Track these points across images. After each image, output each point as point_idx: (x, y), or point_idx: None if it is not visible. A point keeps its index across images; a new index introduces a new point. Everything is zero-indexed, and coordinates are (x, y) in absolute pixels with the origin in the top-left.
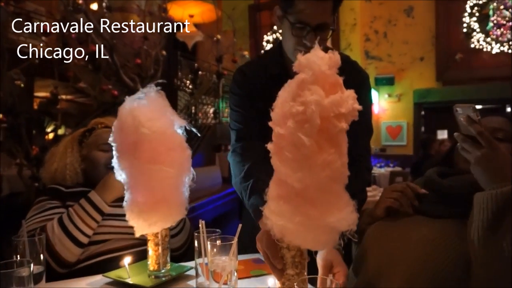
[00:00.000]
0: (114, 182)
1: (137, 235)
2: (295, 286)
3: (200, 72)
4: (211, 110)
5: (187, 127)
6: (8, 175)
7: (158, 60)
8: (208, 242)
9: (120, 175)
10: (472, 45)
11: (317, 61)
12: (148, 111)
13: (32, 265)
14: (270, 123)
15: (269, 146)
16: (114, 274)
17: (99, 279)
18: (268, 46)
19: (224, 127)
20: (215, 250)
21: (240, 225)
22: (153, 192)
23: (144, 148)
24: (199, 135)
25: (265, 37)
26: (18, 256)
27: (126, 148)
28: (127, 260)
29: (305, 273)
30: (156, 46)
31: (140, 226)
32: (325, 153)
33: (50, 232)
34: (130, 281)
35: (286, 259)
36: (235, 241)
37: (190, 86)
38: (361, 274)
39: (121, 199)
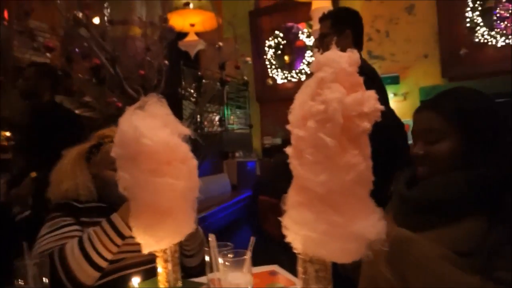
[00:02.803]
0: None
1: (145, 252)
2: None
3: (203, 80)
4: (217, 118)
5: (191, 136)
6: (19, 193)
7: (161, 70)
8: (220, 258)
9: (124, 190)
10: (477, 40)
11: (337, 58)
12: (149, 120)
13: None
14: (288, 126)
15: (288, 149)
16: None
17: None
18: (271, 51)
19: (230, 134)
20: (227, 265)
21: (252, 238)
22: (159, 206)
23: (146, 160)
24: (202, 143)
25: (267, 42)
26: (20, 280)
27: (128, 160)
28: (136, 280)
29: None
30: (159, 56)
31: (148, 243)
32: (348, 155)
33: (69, 254)
34: None
35: (309, 274)
36: (248, 256)
37: (195, 95)
38: None
39: None
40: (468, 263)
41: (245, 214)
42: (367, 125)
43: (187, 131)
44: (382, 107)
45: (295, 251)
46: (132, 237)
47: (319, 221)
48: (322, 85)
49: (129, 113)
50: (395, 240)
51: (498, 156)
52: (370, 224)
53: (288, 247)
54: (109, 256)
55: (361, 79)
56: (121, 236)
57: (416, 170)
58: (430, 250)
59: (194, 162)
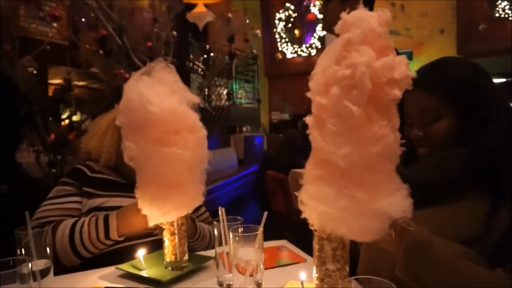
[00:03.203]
0: (134, 218)
1: (151, 224)
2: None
3: (212, 53)
4: (225, 92)
5: (201, 105)
6: (26, 162)
7: (169, 42)
8: (230, 233)
9: (129, 160)
10: (497, 14)
11: (366, 18)
12: (156, 87)
13: (31, 263)
14: (308, 94)
15: (308, 119)
16: (127, 266)
17: (111, 271)
18: (281, 24)
19: (238, 109)
20: (237, 240)
21: (266, 213)
22: (165, 178)
23: (153, 128)
24: (213, 113)
25: (277, 15)
26: (22, 250)
27: (134, 129)
28: (141, 252)
29: (347, 269)
30: (167, 27)
31: (154, 215)
32: (375, 125)
33: (59, 236)
34: (145, 273)
35: (326, 252)
36: (260, 231)
37: (203, 68)
38: None
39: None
40: (477, 251)
41: (252, 188)
42: (397, 93)
43: (196, 99)
44: (413, 74)
45: (311, 227)
46: (118, 240)
47: (339, 196)
48: (348, 47)
49: (134, 79)
50: (410, 244)
51: (497, 127)
52: (395, 202)
53: (294, 223)
54: (93, 250)
55: (392, 42)
56: (108, 237)
57: (416, 151)
58: (448, 250)
59: (203, 132)
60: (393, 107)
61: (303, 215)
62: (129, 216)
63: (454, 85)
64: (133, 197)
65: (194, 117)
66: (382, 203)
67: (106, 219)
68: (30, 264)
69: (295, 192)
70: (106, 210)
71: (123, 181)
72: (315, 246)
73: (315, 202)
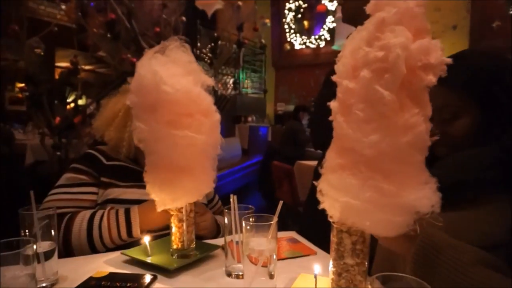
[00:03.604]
0: (156, 214)
1: (159, 210)
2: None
3: (220, 42)
4: (231, 81)
5: (215, 88)
6: (32, 144)
7: (178, 28)
8: (243, 222)
9: (139, 142)
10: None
11: None
12: (171, 66)
13: (35, 244)
14: (333, 77)
15: (332, 104)
16: (133, 252)
17: (116, 256)
18: (290, 14)
19: (244, 98)
20: (250, 229)
21: (281, 202)
22: (176, 162)
23: (166, 109)
24: (227, 96)
25: (287, 5)
26: (26, 230)
27: (145, 109)
28: (147, 237)
29: (366, 264)
30: (176, 12)
31: (163, 200)
32: (407, 113)
33: (75, 229)
34: (150, 260)
35: (345, 246)
36: (275, 221)
37: (210, 56)
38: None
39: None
40: (502, 257)
41: (255, 179)
42: (432, 79)
43: (210, 81)
44: (448, 60)
45: (330, 219)
46: (139, 238)
47: (364, 187)
48: (382, 27)
49: (148, 57)
50: (420, 246)
51: None
52: (424, 195)
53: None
54: (111, 246)
55: (428, 25)
56: (130, 234)
57: (433, 150)
58: (462, 256)
59: (217, 116)
60: (426, 94)
61: (321, 206)
62: (151, 212)
63: (475, 79)
64: None
65: (209, 100)
66: (410, 197)
67: (127, 215)
68: (34, 246)
69: (313, 182)
70: (123, 202)
71: (141, 169)
72: (333, 239)
73: (338, 192)
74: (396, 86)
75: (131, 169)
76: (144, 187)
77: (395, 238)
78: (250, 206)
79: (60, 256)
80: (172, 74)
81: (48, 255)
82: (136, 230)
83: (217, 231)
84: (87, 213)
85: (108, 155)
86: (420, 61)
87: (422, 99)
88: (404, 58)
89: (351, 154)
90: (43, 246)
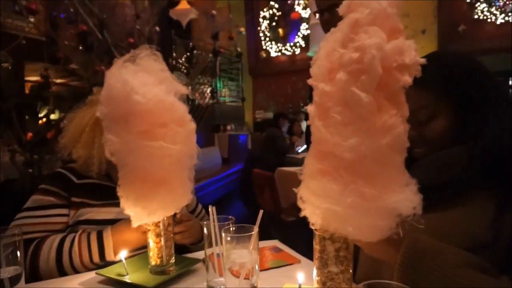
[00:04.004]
0: (131, 234)
1: (135, 225)
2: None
3: (195, 51)
4: (208, 90)
5: (189, 96)
6: (2, 162)
7: (152, 38)
8: (223, 233)
9: (111, 155)
10: (476, 16)
11: None
12: (141, 75)
13: None
14: (309, 81)
15: (309, 108)
16: (109, 271)
17: (92, 277)
18: (265, 23)
19: (222, 107)
20: (230, 241)
21: (261, 211)
22: (151, 174)
23: (138, 120)
24: (205, 106)
25: (261, 13)
26: None
27: (116, 120)
28: (123, 254)
29: (351, 271)
30: (149, 23)
31: (138, 215)
32: (385, 115)
33: (44, 256)
34: (127, 279)
35: (328, 253)
36: (255, 231)
37: (186, 66)
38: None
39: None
40: (485, 257)
41: (236, 187)
42: (408, 79)
43: (184, 90)
44: (423, 60)
45: (312, 226)
46: (114, 262)
47: (345, 192)
48: (356, 28)
49: (117, 66)
50: (408, 252)
51: (498, 123)
52: (406, 198)
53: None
54: (83, 271)
55: (401, 25)
56: (103, 259)
57: (410, 151)
58: (449, 259)
59: (192, 125)
60: (402, 95)
61: (303, 213)
62: (126, 233)
63: (449, 79)
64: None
65: (183, 109)
66: (392, 199)
67: (100, 238)
68: None
69: (293, 189)
70: (98, 223)
71: (115, 185)
72: (316, 246)
73: (318, 199)
74: (373, 88)
75: (104, 187)
76: (119, 204)
77: (377, 245)
78: (230, 216)
79: (27, 281)
80: (144, 83)
81: (13, 280)
82: (109, 254)
83: (201, 237)
84: (56, 239)
85: (79, 173)
86: (395, 62)
87: (399, 100)
88: (380, 59)
89: (331, 158)
90: (7, 271)
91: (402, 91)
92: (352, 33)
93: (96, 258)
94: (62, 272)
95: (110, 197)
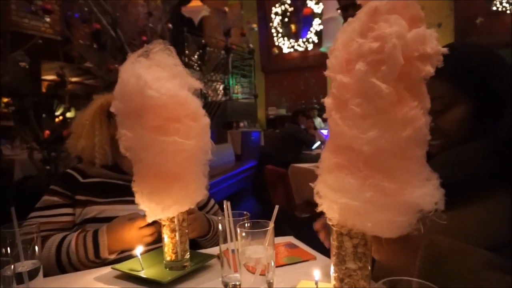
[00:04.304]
0: (126, 233)
1: (149, 221)
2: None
3: (208, 48)
4: (221, 87)
5: (203, 91)
6: (20, 159)
7: (164, 36)
8: (238, 229)
9: (125, 151)
10: (494, 8)
11: None
12: (155, 70)
13: (13, 265)
14: (326, 72)
15: (326, 100)
16: (124, 266)
17: (107, 272)
18: (277, 19)
19: (235, 104)
20: (245, 237)
21: (277, 207)
22: (165, 169)
23: (152, 115)
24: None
25: (274, 9)
26: (8, 249)
27: (130, 115)
28: (139, 249)
29: (369, 268)
30: (161, 20)
31: (153, 211)
32: (406, 107)
33: (45, 255)
34: (143, 274)
35: (346, 250)
36: (271, 227)
37: (199, 63)
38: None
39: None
40: (506, 256)
41: (249, 184)
42: (430, 69)
43: (198, 84)
44: (444, 50)
45: (329, 222)
46: (108, 259)
47: (364, 187)
48: (376, 17)
49: (131, 61)
50: (427, 254)
51: None
52: (427, 192)
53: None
54: (81, 268)
55: (422, 12)
56: (98, 257)
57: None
58: (471, 261)
59: (206, 120)
60: (424, 86)
61: (320, 208)
62: (121, 231)
63: (467, 70)
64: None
65: (197, 104)
66: (413, 194)
67: (95, 236)
68: (12, 266)
69: (310, 184)
70: (103, 221)
71: (123, 182)
72: (334, 243)
73: (336, 193)
74: (394, 78)
75: (112, 184)
76: (126, 202)
77: (393, 254)
78: (245, 212)
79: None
80: (157, 77)
81: (32, 275)
82: (104, 252)
83: (209, 228)
84: (57, 238)
85: (85, 173)
86: (417, 51)
87: (420, 91)
88: (401, 48)
89: (349, 152)
90: (26, 265)
91: (423, 82)
92: (372, 22)
93: (91, 255)
94: (62, 269)
95: (117, 195)
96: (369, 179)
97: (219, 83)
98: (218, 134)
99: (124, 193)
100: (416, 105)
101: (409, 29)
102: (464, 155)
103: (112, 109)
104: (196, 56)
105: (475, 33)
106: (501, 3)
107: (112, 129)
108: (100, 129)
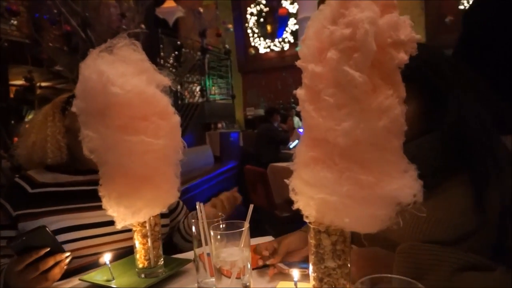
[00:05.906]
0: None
1: (119, 227)
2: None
3: (183, 49)
4: (198, 88)
5: (172, 88)
6: None
7: (138, 38)
8: (211, 231)
9: (90, 153)
10: (462, 7)
11: None
12: (119, 65)
13: None
14: (297, 62)
15: (298, 92)
16: (93, 276)
17: (75, 284)
18: (253, 19)
19: (213, 105)
20: (220, 239)
21: (251, 206)
22: (133, 171)
23: (116, 113)
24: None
25: (249, 9)
26: None
27: (93, 115)
28: (107, 256)
29: (349, 266)
30: (135, 21)
31: (122, 215)
32: (381, 95)
33: None
34: (114, 284)
35: (324, 248)
36: (246, 227)
37: (174, 65)
38: None
39: (95, 182)
40: (477, 243)
41: (232, 185)
42: (404, 56)
43: (167, 81)
44: (419, 37)
45: (306, 219)
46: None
47: (340, 181)
48: (347, 3)
49: (93, 57)
50: (402, 261)
51: (459, 101)
52: (406, 184)
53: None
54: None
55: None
56: None
57: None
58: (442, 267)
59: (176, 118)
60: (398, 74)
61: (296, 206)
62: (13, 280)
63: (413, 68)
64: (96, 207)
65: (166, 101)
66: (391, 187)
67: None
68: None
69: (285, 180)
70: (59, 233)
71: (81, 187)
72: (311, 241)
73: (312, 189)
74: (367, 66)
75: (66, 193)
76: (80, 209)
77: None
78: (219, 213)
79: None
80: (121, 73)
81: None
82: None
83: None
84: None
85: (35, 181)
86: (390, 38)
87: (395, 79)
88: (373, 35)
89: (324, 145)
90: None
91: (398, 70)
92: (343, 8)
93: None
94: None
95: (76, 202)
96: (346, 172)
97: (195, 84)
98: (196, 136)
99: (84, 199)
100: (392, 93)
101: (381, 15)
102: (418, 149)
103: (73, 109)
104: (172, 58)
105: (446, 31)
106: (468, 2)
107: (67, 121)
108: (53, 121)
